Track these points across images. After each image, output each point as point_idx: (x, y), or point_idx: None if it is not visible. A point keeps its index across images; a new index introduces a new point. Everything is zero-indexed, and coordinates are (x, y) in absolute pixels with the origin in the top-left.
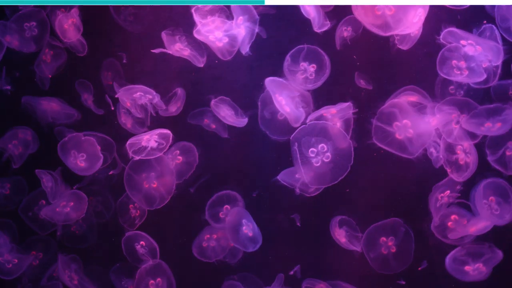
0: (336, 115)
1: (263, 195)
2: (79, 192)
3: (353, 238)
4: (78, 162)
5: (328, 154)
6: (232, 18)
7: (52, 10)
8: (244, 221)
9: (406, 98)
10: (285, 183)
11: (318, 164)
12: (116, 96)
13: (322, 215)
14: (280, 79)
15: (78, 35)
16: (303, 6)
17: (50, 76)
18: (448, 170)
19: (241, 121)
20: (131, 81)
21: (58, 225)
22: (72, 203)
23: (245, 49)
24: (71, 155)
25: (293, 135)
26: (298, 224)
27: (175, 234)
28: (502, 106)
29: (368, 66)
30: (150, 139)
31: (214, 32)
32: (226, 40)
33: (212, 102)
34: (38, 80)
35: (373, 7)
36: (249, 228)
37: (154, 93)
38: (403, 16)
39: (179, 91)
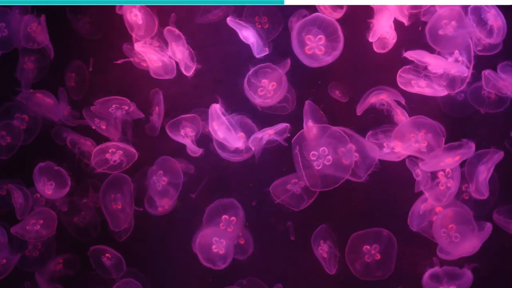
0: (275, 136)
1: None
2: (49, 210)
3: (331, 256)
4: (46, 189)
5: (330, 157)
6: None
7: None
8: (215, 239)
9: (376, 98)
10: (274, 196)
11: (319, 168)
12: (92, 109)
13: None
14: (218, 108)
15: (46, 39)
16: (241, 31)
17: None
18: (427, 195)
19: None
20: (128, 88)
21: (29, 242)
22: (41, 221)
23: (188, 72)
24: (41, 182)
25: (294, 138)
26: (292, 238)
27: (176, 239)
28: (461, 143)
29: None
30: (115, 152)
31: (149, 54)
32: (159, 64)
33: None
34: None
35: (304, 46)
36: (220, 246)
37: (129, 101)
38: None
39: (160, 95)
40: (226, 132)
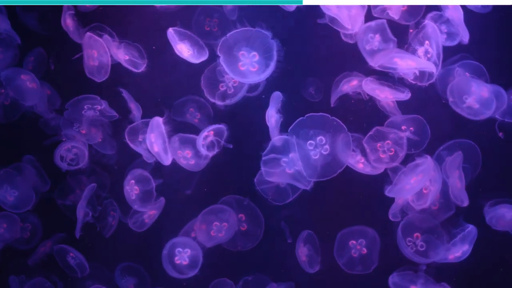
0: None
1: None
2: (11, 214)
3: (312, 259)
4: (8, 196)
5: (327, 146)
6: None
7: None
8: (177, 250)
9: (348, 85)
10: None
11: (316, 157)
12: (65, 114)
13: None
14: (160, 121)
15: (7, 26)
16: (175, 45)
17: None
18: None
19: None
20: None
21: None
22: (5, 225)
23: (139, 69)
24: (3, 188)
25: (291, 127)
26: (289, 241)
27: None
28: (419, 161)
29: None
30: (71, 149)
31: (89, 49)
32: (96, 63)
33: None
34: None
35: (237, 62)
36: (184, 256)
37: (99, 99)
38: None
39: (125, 94)
40: (162, 147)
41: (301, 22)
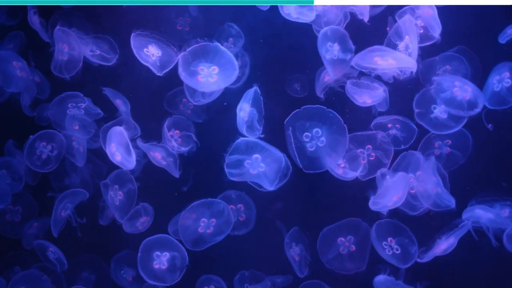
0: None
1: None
2: None
3: (302, 259)
4: None
5: (323, 138)
6: None
7: None
8: (155, 254)
9: (327, 76)
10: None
11: (312, 149)
12: (49, 114)
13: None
14: (121, 130)
15: None
16: (139, 54)
17: None
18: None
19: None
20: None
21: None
22: None
23: (109, 62)
24: None
25: (287, 119)
26: (287, 240)
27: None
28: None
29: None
30: (46, 145)
31: (60, 43)
32: (65, 57)
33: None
34: None
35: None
36: (163, 260)
37: (82, 95)
38: None
39: (107, 92)
40: (125, 155)
41: (280, 20)
